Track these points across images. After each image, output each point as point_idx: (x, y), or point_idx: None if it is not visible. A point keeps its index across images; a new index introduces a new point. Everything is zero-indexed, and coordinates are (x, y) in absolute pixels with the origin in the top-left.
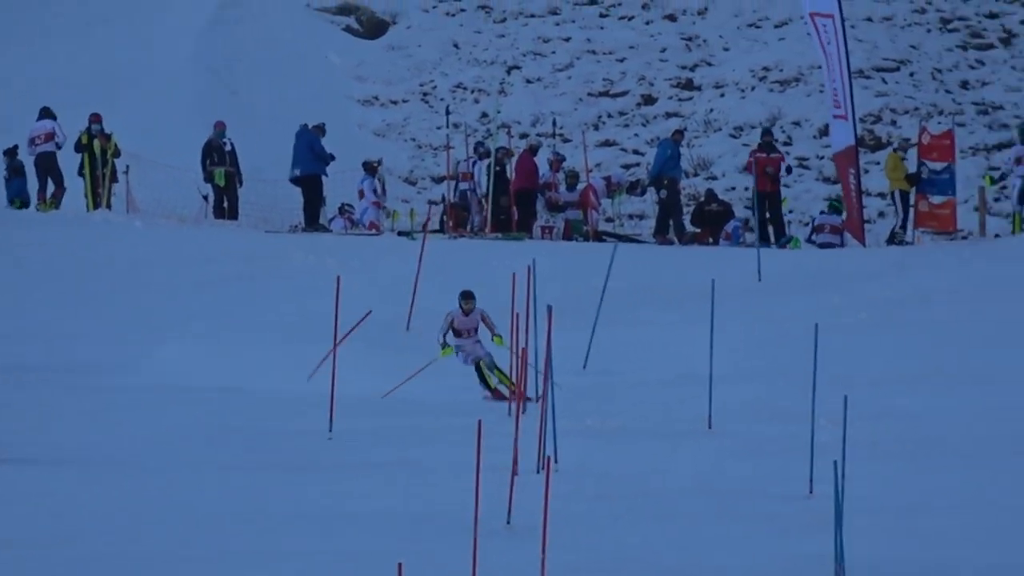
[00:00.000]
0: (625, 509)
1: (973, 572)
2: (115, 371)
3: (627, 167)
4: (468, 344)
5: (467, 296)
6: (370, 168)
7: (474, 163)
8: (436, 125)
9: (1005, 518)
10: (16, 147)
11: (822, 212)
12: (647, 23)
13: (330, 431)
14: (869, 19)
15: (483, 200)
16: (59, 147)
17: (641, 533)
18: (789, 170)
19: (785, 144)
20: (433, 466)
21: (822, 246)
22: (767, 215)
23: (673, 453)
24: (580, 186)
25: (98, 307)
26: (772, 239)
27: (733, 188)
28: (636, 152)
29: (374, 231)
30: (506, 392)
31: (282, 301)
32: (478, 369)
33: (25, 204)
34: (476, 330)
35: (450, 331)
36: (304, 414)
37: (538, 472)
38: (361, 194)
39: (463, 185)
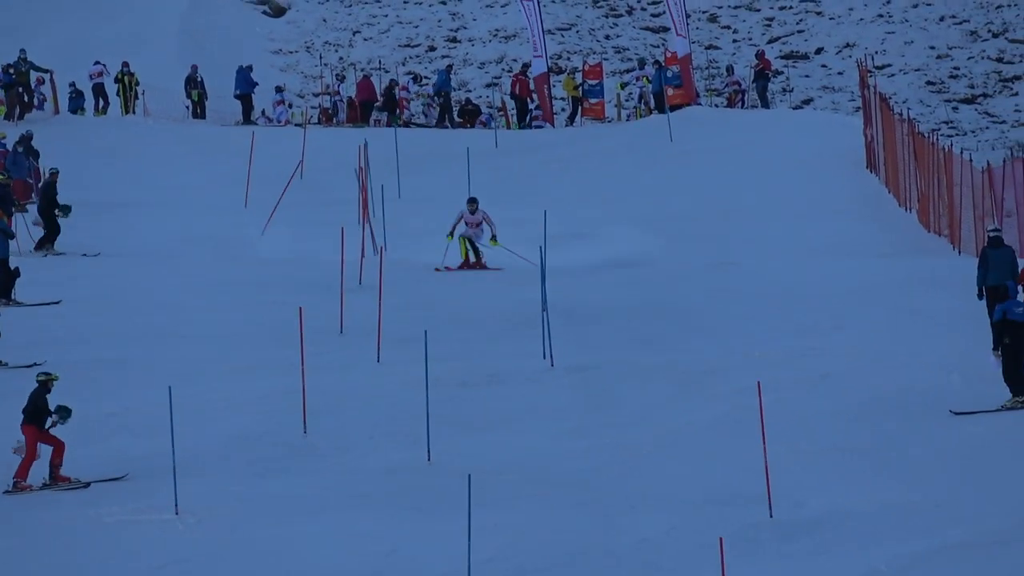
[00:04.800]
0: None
1: None
2: (157, 203)
3: (420, 95)
4: (471, 231)
5: (472, 200)
6: (277, 89)
7: (339, 85)
8: (314, 64)
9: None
10: (74, 81)
11: (536, 109)
12: (431, 5)
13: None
14: (553, 1)
15: (339, 104)
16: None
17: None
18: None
19: (509, 72)
20: None
21: (536, 128)
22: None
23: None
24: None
25: (130, 166)
26: (516, 125)
27: (480, 97)
28: (426, 78)
29: (284, 124)
30: (474, 259)
31: (230, 159)
32: (467, 242)
33: (82, 112)
34: (480, 224)
35: (461, 223)
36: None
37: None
38: (278, 104)
39: (331, 97)
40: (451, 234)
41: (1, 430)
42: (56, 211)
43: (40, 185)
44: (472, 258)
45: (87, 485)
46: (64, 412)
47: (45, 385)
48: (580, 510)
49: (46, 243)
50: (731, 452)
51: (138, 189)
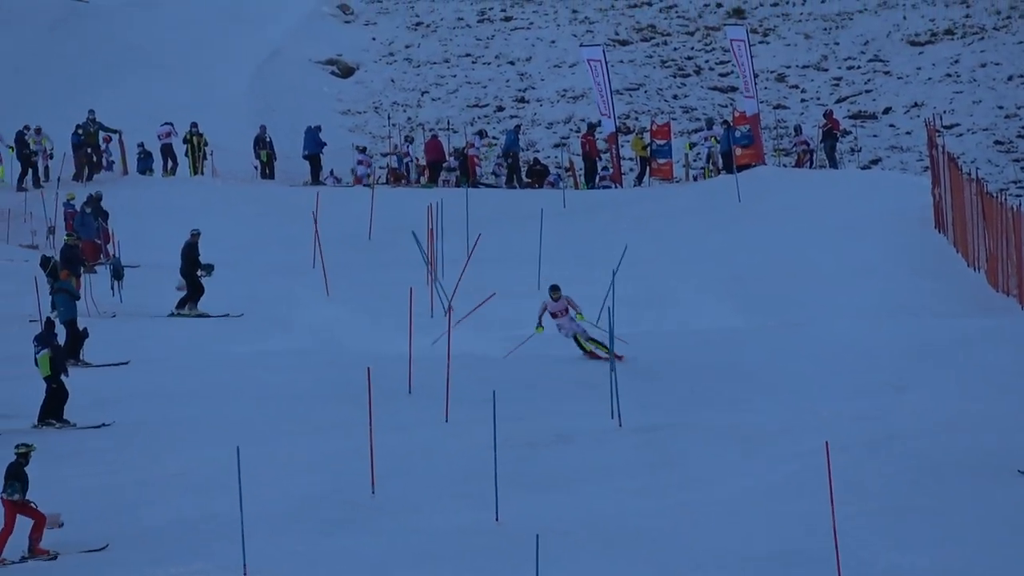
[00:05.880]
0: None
1: None
2: (225, 263)
3: (491, 145)
4: (564, 322)
5: (554, 288)
6: (360, 149)
7: (408, 146)
8: (382, 124)
9: None
10: (143, 142)
11: (604, 170)
12: (499, 65)
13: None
14: (621, 61)
15: (410, 165)
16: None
17: None
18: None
19: (576, 132)
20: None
21: (603, 188)
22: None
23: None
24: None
25: (198, 226)
26: (585, 184)
27: (549, 157)
28: (495, 137)
29: (354, 183)
30: (601, 355)
31: (298, 219)
32: (576, 340)
33: (150, 172)
34: (567, 311)
35: (546, 314)
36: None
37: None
38: (360, 162)
39: (402, 158)
40: (539, 325)
41: (61, 491)
42: (199, 271)
43: (182, 247)
44: (595, 352)
45: (54, 557)
46: (15, 487)
47: (26, 456)
48: (648, 570)
49: (188, 302)
50: (798, 512)
51: (206, 249)
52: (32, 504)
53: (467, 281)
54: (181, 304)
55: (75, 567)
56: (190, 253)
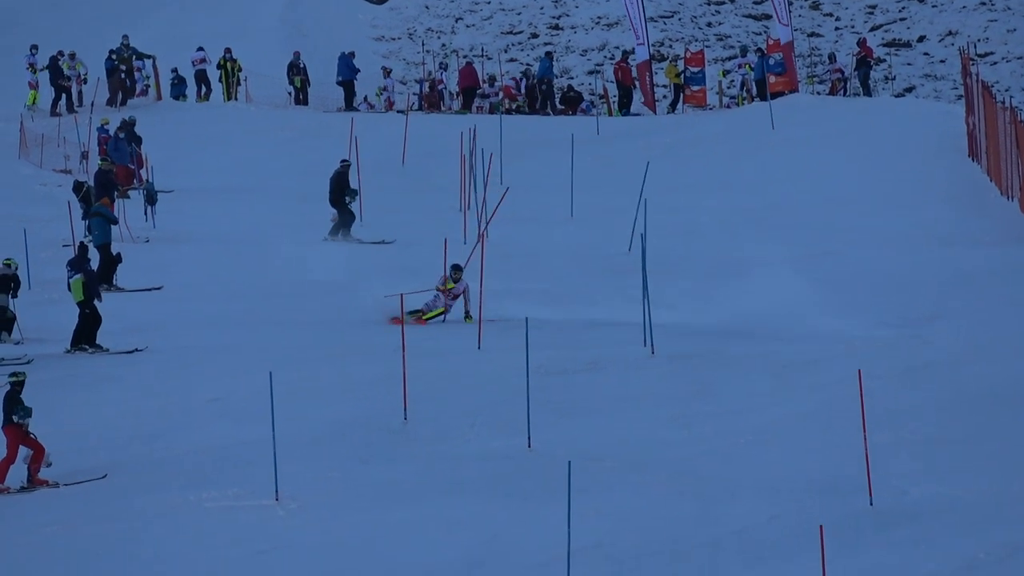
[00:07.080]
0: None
1: None
2: (259, 189)
3: (524, 72)
4: (451, 303)
5: (457, 268)
6: (386, 73)
7: (442, 73)
8: (416, 50)
9: None
10: (177, 68)
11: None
12: None
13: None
14: None
15: (443, 91)
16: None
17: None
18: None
19: (611, 59)
20: None
21: (636, 115)
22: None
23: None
24: (498, 84)
25: (232, 152)
26: (620, 111)
27: (582, 84)
28: (528, 65)
29: (387, 109)
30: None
31: (335, 148)
32: (431, 312)
33: (184, 98)
34: (459, 296)
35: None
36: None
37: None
38: (386, 87)
39: (437, 86)
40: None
41: (94, 416)
42: (346, 197)
43: (331, 177)
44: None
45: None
46: (26, 411)
47: (21, 384)
48: (680, 498)
49: (341, 229)
50: (831, 440)
51: (240, 175)
52: (32, 435)
53: (501, 208)
54: (334, 231)
55: (104, 492)
56: (339, 181)
